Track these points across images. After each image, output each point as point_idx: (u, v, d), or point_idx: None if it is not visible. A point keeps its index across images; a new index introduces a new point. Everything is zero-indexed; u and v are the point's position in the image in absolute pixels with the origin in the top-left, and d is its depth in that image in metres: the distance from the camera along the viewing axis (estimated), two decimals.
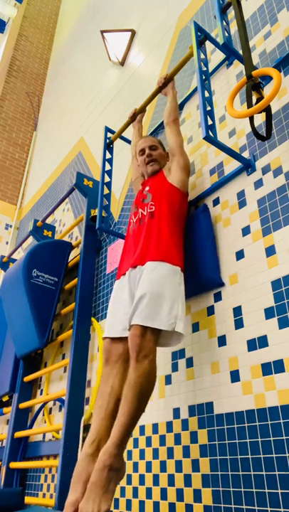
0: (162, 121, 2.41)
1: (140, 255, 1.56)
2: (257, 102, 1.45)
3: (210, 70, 2.01)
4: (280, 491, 1.11)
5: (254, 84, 1.47)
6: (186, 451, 1.44)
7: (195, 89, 2.20)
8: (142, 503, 1.54)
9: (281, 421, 1.17)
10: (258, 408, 1.25)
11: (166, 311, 1.38)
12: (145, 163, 1.88)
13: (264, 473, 1.17)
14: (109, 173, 2.35)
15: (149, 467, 1.58)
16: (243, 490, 1.20)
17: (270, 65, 1.70)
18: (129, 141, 2.52)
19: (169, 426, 1.56)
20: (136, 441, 1.69)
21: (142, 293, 1.40)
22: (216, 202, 1.75)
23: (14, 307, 2.60)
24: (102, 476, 1.13)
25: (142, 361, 1.30)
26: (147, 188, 1.79)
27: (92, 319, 2.35)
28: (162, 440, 1.56)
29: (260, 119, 1.63)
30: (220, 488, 1.27)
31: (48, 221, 3.71)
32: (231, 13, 1.96)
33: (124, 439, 1.19)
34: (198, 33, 1.76)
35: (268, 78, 1.65)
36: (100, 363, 2.13)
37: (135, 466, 1.65)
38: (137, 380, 1.26)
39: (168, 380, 1.65)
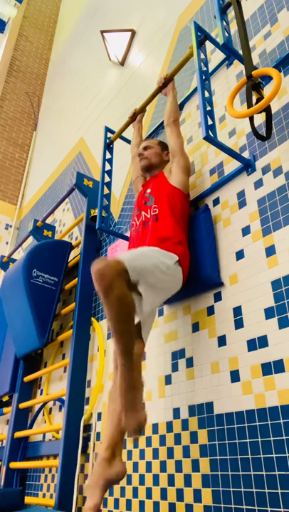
0: (162, 122, 2.41)
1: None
2: (257, 102, 1.45)
3: (210, 70, 2.01)
4: (280, 491, 1.11)
5: (254, 84, 1.47)
6: (186, 451, 1.44)
7: (195, 89, 2.20)
8: (142, 503, 1.54)
9: (281, 421, 1.17)
10: (258, 408, 1.25)
11: (146, 272, 1.34)
12: (139, 162, 1.97)
13: (264, 473, 1.17)
14: (109, 173, 2.35)
15: (149, 467, 1.58)
16: (243, 490, 1.20)
17: (270, 65, 1.70)
18: (129, 141, 2.51)
19: (169, 426, 1.56)
20: (136, 441, 1.69)
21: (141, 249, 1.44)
22: (216, 202, 1.75)
23: (14, 307, 2.60)
24: (128, 396, 1.21)
25: (110, 294, 1.20)
26: (149, 191, 1.80)
27: (92, 319, 2.35)
28: (162, 440, 1.56)
29: (260, 119, 1.63)
30: (220, 488, 1.27)
31: (48, 221, 3.71)
32: (231, 13, 1.96)
33: (127, 368, 1.23)
34: (198, 33, 1.76)
35: (267, 78, 1.65)
36: (100, 363, 2.13)
37: (135, 466, 1.65)
38: (110, 311, 1.21)
39: (168, 380, 1.65)
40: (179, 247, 1.55)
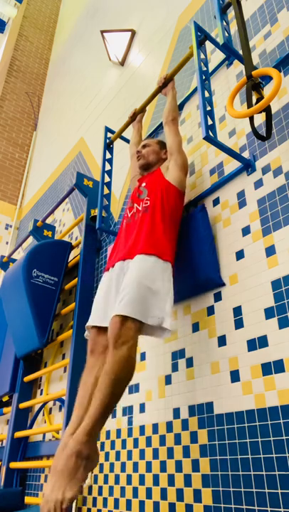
0: (162, 122, 2.41)
1: (130, 248, 1.55)
2: (257, 102, 1.46)
3: (210, 70, 2.01)
4: (280, 491, 1.11)
5: (254, 84, 1.47)
6: (186, 451, 1.44)
7: (195, 89, 2.20)
8: (142, 503, 1.54)
9: (281, 421, 1.17)
10: (258, 408, 1.25)
11: (154, 306, 1.36)
12: (137, 160, 1.97)
13: (264, 473, 1.17)
14: (109, 173, 2.35)
15: (149, 467, 1.58)
16: (243, 490, 1.20)
17: (270, 65, 1.71)
18: (129, 141, 2.52)
19: (169, 426, 1.56)
20: (136, 441, 1.69)
21: (128, 282, 1.39)
22: (216, 202, 1.75)
23: (14, 307, 2.60)
24: (69, 463, 1.08)
25: (119, 348, 1.25)
26: (144, 184, 1.80)
27: None
28: (162, 440, 1.56)
29: (260, 119, 1.63)
30: (220, 488, 1.27)
31: (48, 221, 3.71)
32: (231, 13, 1.96)
33: (95, 426, 1.15)
34: (198, 33, 1.76)
35: (267, 78, 1.65)
36: None
37: (135, 466, 1.65)
38: (113, 366, 1.22)
39: (168, 380, 1.65)
40: (171, 251, 1.55)
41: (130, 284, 1.38)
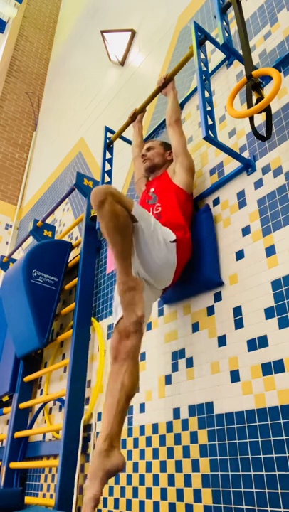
0: (162, 121, 2.41)
1: None
2: (257, 102, 1.46)
3: (210, 70, 2.01)
4: (280, 491, 1.11)
5: (254, 84, 1.47)
6: (186, 451, 1.44)
7: (195, 89, 2.20)
8: (142, 503, 1.54)
9: (281, 421, 1.17)
10: (258, 408, 1.25)
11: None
12: (143, 163, 1.99)
13: (264, 473, 1.17)
14: (109, 173, 2.35)
15: (149, 467, 1.58)
16: (243, 490, 1.20)
17: (270, 65, 1.70)
18: (129, 141, 2.52)
19: (169, 426, 1.56)
20: (136, 441, 1.69)
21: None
22: (216, 202, 1.75)
23: (14, 307, 2.60)
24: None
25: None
26: (152, 190, 1.81)
27: (92, 319, 2.35)
28: (162, 440, 1.56)
29: (260, 119, 1.63)
30: (220, 488, 1.27)
31: (48, 221, 3.71)
32: (231, 13, 1.96)
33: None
34: (198, 33, 1.76)
35: (268, 78, 1.65)
36: (100, 362, 2.13)
37: (135, 466, 1.65)
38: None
39: (168, 380, 1.65)
40: (180, 232, 1.57)
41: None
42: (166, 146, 1.98)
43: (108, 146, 2.41)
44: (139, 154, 2.12)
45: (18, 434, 2.41)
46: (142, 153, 1.98)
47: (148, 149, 1.98)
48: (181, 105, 2.28)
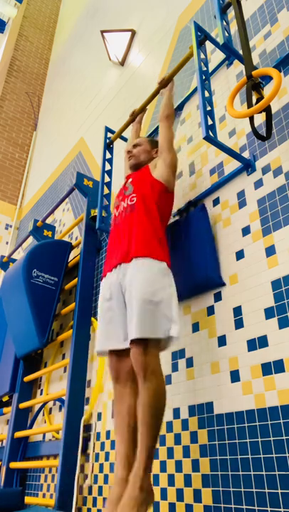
0: None
1: (125, 251, 1.48)
2: (257, 102, 1.46)
3: (210, 70, 2.01)
4: (280, 491, 1.11)
5: (254, 84, 1.47)
6: (186, 451, 1.44)
7: (195, 89, 2.20)
8: None
9: (281, 421, 1.17)
10: (258, 408, 1.25)
11: (162, 318, 1.32)
12: (128, 160, 1.92)
13: (264, 473, 1.17)
14: (109, 173, 2.35)
15: None
16: (243, 490, 1.20)
17: (270, 65, 1.70)
18: None
19: (169, 426, 1.56)
20: None
21: (136, 300, 1.33)
22: (216, 202, 1.75)
23: (14, 307, 2.60)
24: (133, 496, 1.13)
25: (150, 379, 1.25)
26: (130, 180, 1.75)
27: (92, 319, 2.35)
28: (162, 440, 1.56)
29: (260, 119, 1.63)
30: (220, 488, 1.27)
31: (48, 221, 3.71)
32: (231, 13, 1.96)
33: (149, 460, 1.20)
34: (199, 33, 1.76)
35: (268, 78, 1.65)
36: (100, 363, 2.13)
37: None
38: (150, 400, 1.23)
39: (168, 380, 1.65)
40: (164, 251, 1.49)
41: (135, 303, 1.33)
42: (154, 144, 1.91)
43: (108, 146, 2.41)
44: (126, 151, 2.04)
45: (18, 434, 2.41)
46: (128, 150, 1.91)
47: (134, 146, 1.91)
48: (181, 105, 2.28)
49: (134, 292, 1.35)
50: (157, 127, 2.47)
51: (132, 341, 1.30)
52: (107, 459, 1.83)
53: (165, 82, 1.99)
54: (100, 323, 1.51)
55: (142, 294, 1.34)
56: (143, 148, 1.89)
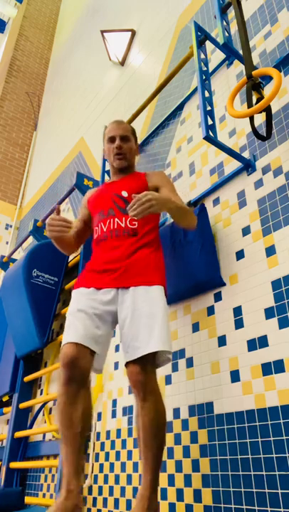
0: (162, 121, 2.40)
1: (123, 276, 1.37)
2: (257, 102, 1.46)
3: (210, 70, 2.01)
4: (280, 491, 1.11)
5: (254, 84, 1.47)
6: (186, 451, 1.44)
7: (195, 89, 2.20)
8: None
9: (281, 421, 1.17)
10: (258, 408, 1.25)
11: (165, 335, 1.28)
12: (113, 154, 1.63)
13: (264, 473, 1.17)
14: (109, 173, 2.34)
15: None
16: (243, 490, 1.20)
17: (270, 65, 1.70)
18: None
19: (169, 426, 1.56)
20: (136, 441, 1.69)
21: (153, 314, 1.28)
22: (216, 202, 1.75)
23: (14, 307, 2.60)
24: None
25: (149, 399, 1.22)
26: (125, 194, 1.52)
27: None
28: None
29: (260, 119, 1.63)
30: (220, 488, 1.27)
31: None
32: (231, 13, 1.96)
33: (156, 481, 1.18)
34: (199, 33, 1.76)
35: (268, 78, 1.65)
36: None
37: (135, 466, 1.65)
38: (152, 423, 1.21)
39: (168, 380, 1.65)
40: (164, 276, 1.44)
41: (160, 318, 1.28)
42: (135, 137, 1.71)
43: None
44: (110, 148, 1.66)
45: (18, 434, 2.41)
46: (117, 145, 1.60)
47: (123, 139, 1.62)
48: (181, 105, 2.28)
49: (158, 309, 1.30)
50: (158, 127, 2.47)
51: (134, 361, 1.25)
52: (107, 458, 1.83)
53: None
54: (76, 318, 1.35)
55: (163, 309, 1.31)
56: (131, 146, 1.65)
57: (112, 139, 1.63)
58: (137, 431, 1.25)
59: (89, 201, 1.66)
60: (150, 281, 1.36)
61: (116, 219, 1.47)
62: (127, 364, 1.28)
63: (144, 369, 1.24)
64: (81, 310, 1.36)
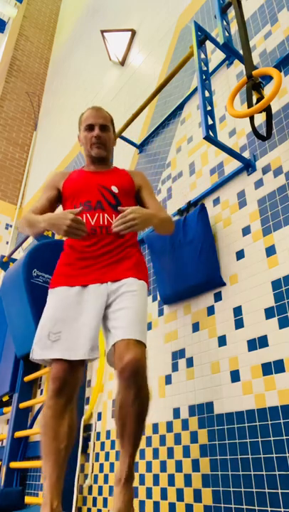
0: (162, 121, 2.40)
1: (111, 271, 1.35)
2: (257, 102, 1.46)
3: (210, 70, 2.01)
4: (280, 490, 1.11)
5: (254, 84, 1.47)
6: (186, 451, 1.44)
7: (195, 89, 2.20)
8: (142, 503, 1.54)
9: (281, 421, 1.17)
10: (258, 408, 1.25)
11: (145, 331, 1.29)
12: (90, 143, 1.56)
13: (264, 473, 1.17)
14: None
15: (149, 467, 1.58)
16: (243, 490, 1.20)
17: (270, 65, 1.70)
18: (129, 141, 2.51)
19: (169, 426, 1.56)
20: None
21: (136, 308, 1.27)
22: (216, 202, 1.75)
23: (14, 307, 2.60)
24: (131, 499, 1.13)
25: (141, 383, 1.18)
26: (116, 190, 1.47)
27: None
28: (162, 440, 1.56)
29: (260, 119, 1.63)
30: (220, 488, 1.27)
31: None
32: (231, 12, 1.96)
33: (132, 461, 1.17)
34: (199, 33, 1.76)
35: (268, 78, 1.65)
36: (100, 363, 2.12)
37: (135, 466, 1.64)
38: (143, 411, 1.19)
39: (168, 380, 1.65)
40: (146, 269, 1.44)
41: (141, 313, 1.28)
42: (114, 127, 1.66)
43: None
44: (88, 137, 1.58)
45: (18, 433, 2.41)
46: (96, 134, 1.53)
47: (102, 128, 1.56)
48: (182, 105, 2.27)
49: (139, 305, 1.30)
50: (158, 127, 2.47)
51: (133, 343, 1.20)
52: (107, 458, 1.83)
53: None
54: (60, 326, 1.30)
55: (144, 307, 1.32)
56: (109, 135, 1.58)
57: (90, 127, 1.56)
58: (122, 412, 1.18)
59: (66, 185, 1.55)
60: (140, 277, 1.36)
61: (106, 215, 1.40)
62: (118, 342, 1.22)
63: (143, 354, 1.20)
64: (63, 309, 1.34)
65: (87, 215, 1.41)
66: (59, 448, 1.15)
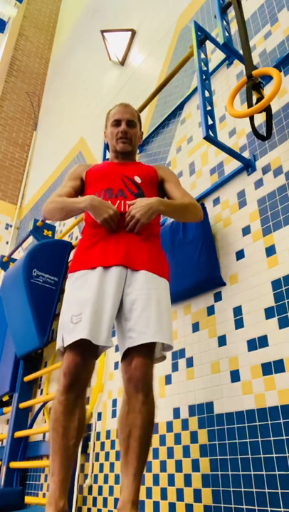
0: (162, 121, 2.40)
1: (132, 257, 1.29)
2: (257, 102, 1.46)
3: (210, 70, 2.00)
4: (280, 490, 1.11)
5: (254, 84, 1.47)
6: (186, 451, 1.44)
7: (195, 89, 2.20)
8: (142, 503, 1.54)
9: (281, 421, 1.17)
10: (258, 408, 1.25)
11: (170, 330, 1.25)
12: (116, 138, 1.55)
13: (264, 473, 1.17)
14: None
15: (149, 467, 1.58)
16: (243, 490, 1.20)
17: (270, 65, 1.70)
18: None
19: (169, 426, 1.56)
20: None
21: (160, 307, 1.22)
22: (216, 202, 1.75)
23: (14, 307, 2.60)
24: None
25: (148, 395, 1.18)
26: (139, 180, 1.45)
27: None
28: (162, 440, 1.56)
29: (260, 119, 1.63)
30: (220, 488, 1.27)
31: (48, 221, 3.71)
32: (231, 12, 1.96)
33: (140, 482, 1.12)
34: (199, 33, 1.76)
35: (268, 78, 1.65)
36: (100, 363, 2.12)
37: None
38: (149, 421, 1.16)
39: (168, 380, 1.65)
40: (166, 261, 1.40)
41: (165, 311, 1.23)
42: (141, 123, 1.63)
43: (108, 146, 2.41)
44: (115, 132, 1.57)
45: (18, 433, 2.41)
46: (122, 130, 1.53)
47: (129, 124, 1.55)
48: (182, 105, 2.27)
49: (163, 303, 1.25)
50: (158, 127, 2.47)
51: (142, 349, 1.17)
52: (107, 458, 1.83)
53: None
54: (87, 307, 1.20)
55: (169, 306, 1.29)
56: (136, 132, 1.57)
57: (117, 122, 1.56)
58: (125, 428, 1.16)
59: (89, 173, 1.54)
60: (161, 272, 1.31)
61: (127, 202, 1.37)
62: (128, 354, 1.19)
63: (150, 364, 1.19)
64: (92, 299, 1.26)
65: (108, 202, 1.38)
66: (68, 445, 1.13)
